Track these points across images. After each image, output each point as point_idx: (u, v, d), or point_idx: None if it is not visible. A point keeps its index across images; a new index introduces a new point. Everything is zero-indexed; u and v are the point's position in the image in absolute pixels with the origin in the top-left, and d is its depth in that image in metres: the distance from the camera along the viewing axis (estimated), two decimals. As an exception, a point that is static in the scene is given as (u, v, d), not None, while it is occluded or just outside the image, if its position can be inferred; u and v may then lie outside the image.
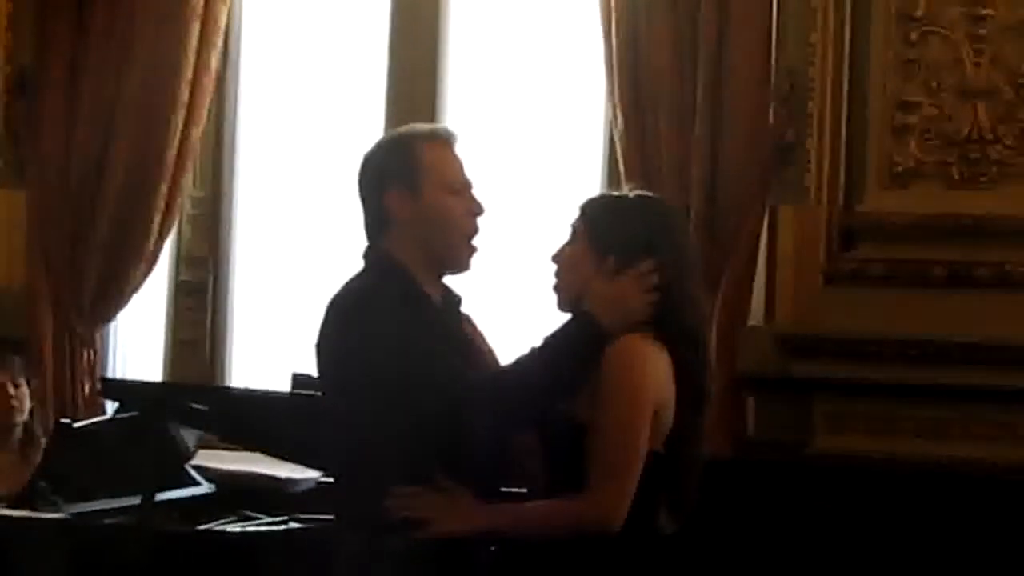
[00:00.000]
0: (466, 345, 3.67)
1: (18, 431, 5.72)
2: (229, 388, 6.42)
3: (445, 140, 3.73)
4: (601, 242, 3.53)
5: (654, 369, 3.42)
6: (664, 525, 3.49)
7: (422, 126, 3.82)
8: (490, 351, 3.75)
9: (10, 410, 5.69)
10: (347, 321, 3.54)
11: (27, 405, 5.70)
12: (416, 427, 3.38)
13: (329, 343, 3.57)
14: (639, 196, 3.68)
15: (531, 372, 3.44)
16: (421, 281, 3.63)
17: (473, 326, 3.74)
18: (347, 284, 3.64)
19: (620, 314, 3.43)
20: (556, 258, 3.62)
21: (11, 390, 5.70)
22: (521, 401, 3.44)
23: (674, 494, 3.50)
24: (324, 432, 3.66)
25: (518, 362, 3.49)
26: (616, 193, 3.77)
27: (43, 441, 5.66)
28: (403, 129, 3.82)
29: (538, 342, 3.49)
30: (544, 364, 3.44)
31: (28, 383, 5.78)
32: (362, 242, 6.36)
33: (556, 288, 3.60)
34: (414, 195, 3.64)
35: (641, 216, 3.58)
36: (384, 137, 3.87)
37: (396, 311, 3.48)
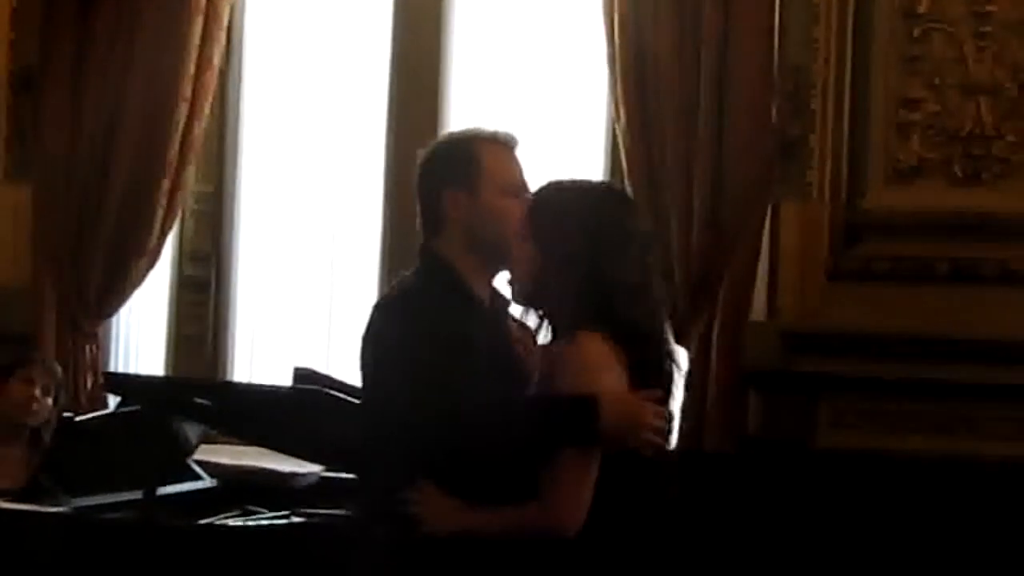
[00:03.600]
0: (506, 348, 3.63)
1: (27, 431, 5.70)
2: (231, 383, 6.41)
3: (505, 143, 3.70)
4: (531, 231, 3.50)
5: (608, 369, 3.37)
6: (637, 522, 3.45)
7: (484, 128, 3.75)
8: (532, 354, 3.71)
9: (28, 412, 5.67)
10: (391, 320, 3.54)
11: (45, 415, 5.69)
12: (421, 430, 3.39)
13: (372, 340, 3.56)
14: (572, 183, 3.60)
15: (516, 422, 3.40)
16: (471, 282, 3.62)
17: (524, 329, 3.69)
18: (399, 282, 3.64)
19: (625, 429, 3.36)
20: None
21: (38, 394, 5.68)
22: (494, 441, 3.41)
23: (643, 492, 3.45)
24: (353, 425, 3.67)
25: (516, 405, 3.46)
26: (558, 181, 3.63)
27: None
28: (465, 129, 3.79)
29: (539, 399, 3.45)
30: (528, 425, 3.38)
31: (58, 398, 5.76)
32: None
33: (508, 281, 3.59)
34: (471, 196, 3.61)
35: (560, 203, 3.51)
36: (445, 136, 3.83)
37: (440, 314, 3.46)
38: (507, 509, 3.36)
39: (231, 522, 5.06)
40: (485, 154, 3.64)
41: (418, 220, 3.71)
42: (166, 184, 6.43)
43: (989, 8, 5.55)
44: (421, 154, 3.73)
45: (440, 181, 3.64)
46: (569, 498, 3.32)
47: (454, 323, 3.46)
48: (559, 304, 3.46)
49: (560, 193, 3.54)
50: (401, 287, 3.63)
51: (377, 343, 3.53)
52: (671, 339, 3.56)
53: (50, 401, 5.72)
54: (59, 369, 5.93)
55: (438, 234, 3.66)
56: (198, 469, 5.42)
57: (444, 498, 3.39)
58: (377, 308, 3.61)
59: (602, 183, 3.63)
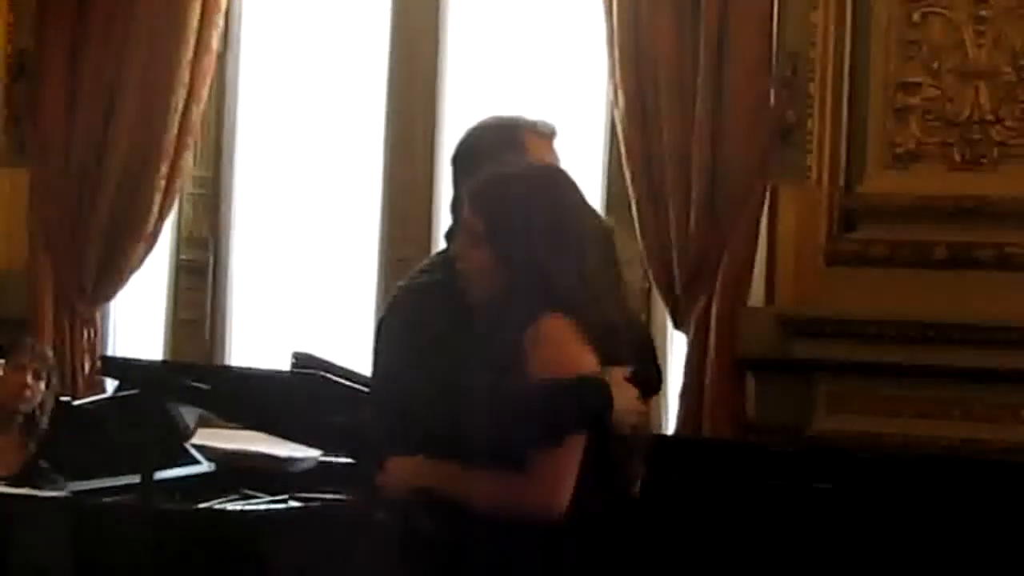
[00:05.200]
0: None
1: (20, 417, 5.70)
2: (229, 367, 6.43)
3: (546, 132, 3.66)
4: (487, 235, 3.40)
5: (581, 346, 3.31)
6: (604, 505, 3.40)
7: (526, 116, 3.69)
8: None
9: (20, 398, 5.67)
10: (396, 306, 3.53)
11: (37, 400, 5.69)
12: (425, 414, 3.37)
13: (383, 324, 3.55)
14: (501, 171, 3.46)
15: (526, 407, 3.30)
16: None
17: None
18: (419, 267, 3.60)
19: (622, 412, 3.35)
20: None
21: (29, 380, 5.68)
22: (501, 426, 3.30)
23: (617, 472, 3.41)
24: (352, 410, 3.70)
25: (523, 389, 3.35)
26: (497, 175, 3.48)
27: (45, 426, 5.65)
28: (507, 115, 3.72)
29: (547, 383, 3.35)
30: (541, 409, 3.29)
31: (49, 381, 5.76)
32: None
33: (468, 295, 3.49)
34: None
35: (488, 191, 3.42)
36: (487, 120, 3.72)
37: (445, 306, 3.42)
38: (483, 474, 3.29)
39: (229, 506, 5.06)
40: (527, 141, 3.60)
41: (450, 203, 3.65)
42: (164, 168, 6.44)
43: (987, -7, 5.57)
44: (461, 135, 3.68)
45: (478, 164, 3.54)
46: (562, 479, 3.25)
47: (459, 319, 3.40)
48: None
49: (489, 182, 3.43)
50: (413, 273, 3.59)
51: (386, 336, 3.51)
52: (636, 325, 3.55)
53: (42, 385, 5.72)
54: (50, 352, 5.92)
55: None
56: (196, 453, 5.39)
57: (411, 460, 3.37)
58: (395, 294, 3.58)
59: (542, 167, 3.52)
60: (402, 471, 3.37)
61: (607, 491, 3.35)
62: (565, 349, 3.28)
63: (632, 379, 3.37)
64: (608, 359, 3.33)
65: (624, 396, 3.34)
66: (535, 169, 3.49)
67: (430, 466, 3.34)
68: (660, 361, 5.77)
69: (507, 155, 3.52)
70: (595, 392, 3.29)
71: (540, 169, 3.50)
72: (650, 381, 3.59)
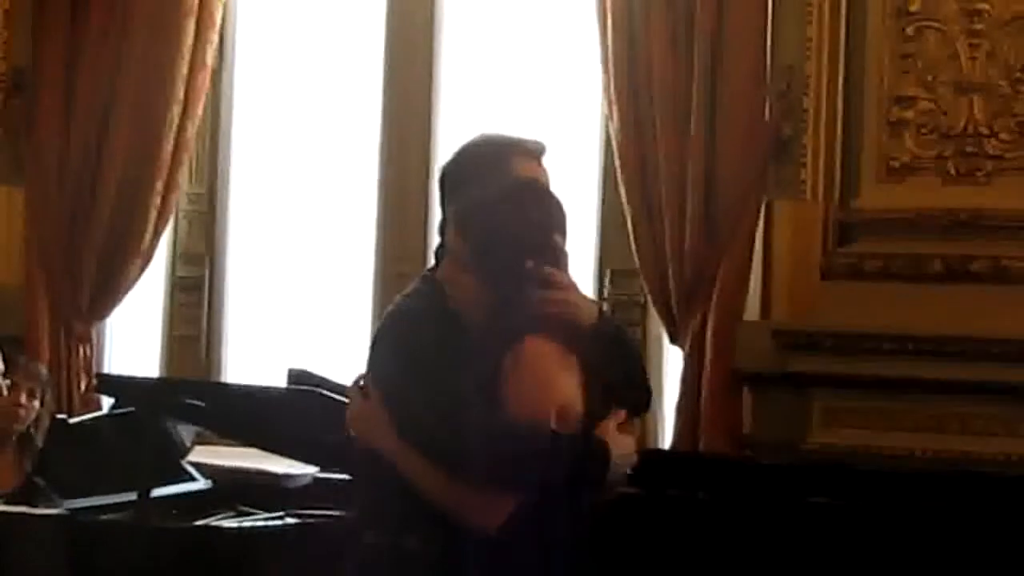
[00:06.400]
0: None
1: (15, 436, 5.69)
2: (225, 384, 6.40)
3: (534, 151, 3.60)
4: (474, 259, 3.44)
5: (562, 371, 3.33)
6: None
7: (511, 136, 3.63)
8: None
9: (15, 417, 5.65)
10: (380, 332, 3.51)
11: (32, 418, 5.67)
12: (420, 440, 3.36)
13: (371, 351, 3.53)
14: (485, 196, 3.46)
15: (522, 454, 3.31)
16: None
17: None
18: (405, 291, 3.57)
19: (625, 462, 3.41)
20: None
21: (23, 399, 5.67)
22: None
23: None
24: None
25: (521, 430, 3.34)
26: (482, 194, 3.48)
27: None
28: (494, 134, 3.67)
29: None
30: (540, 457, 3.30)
31: (44, 399, 5.75)
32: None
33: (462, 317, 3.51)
34: None
35: (473, 217, 3.43)
36: (474, 139, 3.65)
37: (430, 331, 3.41)
38: (443, 477, 3.28)
39: (225, 523, 5.07)
40: (514, 166, 3.55)
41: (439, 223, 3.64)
42: (159, 185, 6.42)
43: (981, 6, 5.56)
44: (447, 157, 3.65)
45: (465, 189, 3.53)
46: (506, 510, 3.26)
47: (435, 344, 3.40)
48: None
49: (494, 213, 3.42)
50: (398, 299, 3.57)
51: (371, 357, 3.50)
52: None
53: (37, 404, 5.70)
54: (43, 369, 5.90)
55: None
56: (192, 470, 5.40)
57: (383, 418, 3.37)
58: (383, 319, 3.56)
59: (525, 184, 3.51)
60: (370, 428, 3.38)
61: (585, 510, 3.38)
62: (543, 375, 3.28)
63: (620, 401, 3.40)
64: (593, 377, 3.34)
65: (621, 445, 3.36)
66: (518, 188, 3.48)
67: (397, 443, 3.33)
68: (655, 376, 5.86)
69: (493, 177, 3.49)
70: (587, 454, 3.30)
71: (523, 187, 3.48)
72: (638, 404, 3.60)
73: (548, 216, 3.43)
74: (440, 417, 3.28)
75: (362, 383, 3.46)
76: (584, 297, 3.54)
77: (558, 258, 3.42)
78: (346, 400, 3.54)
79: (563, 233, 3.45)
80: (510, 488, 3.25)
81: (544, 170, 3.61)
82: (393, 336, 3.45)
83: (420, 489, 3.29)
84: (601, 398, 3.38)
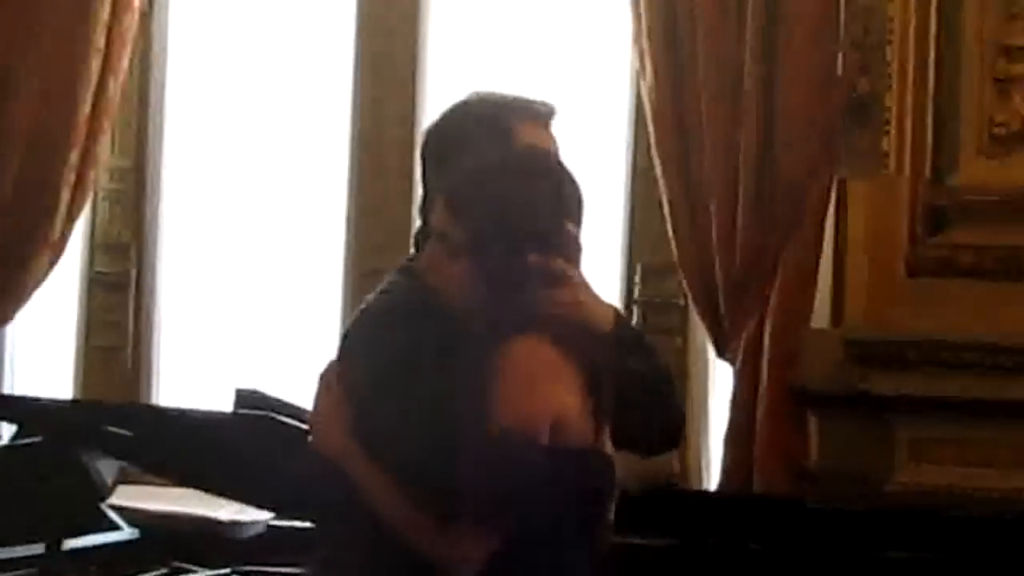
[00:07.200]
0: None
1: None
2: (156, 407, 6.39)
3: (540, 114, 3.67)
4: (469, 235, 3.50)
5: (558, 376, 3.36)
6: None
7: (513, 95, 3.70)
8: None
9: None
10: (349, 334, 3.59)
11: None
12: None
13: (341, 354, 3.62)
14: (484, 166, 3.53)
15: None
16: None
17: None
18: (380, 286, 3.65)
19: None
20: None
21: None
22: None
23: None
24: (307, 461, 3.66)
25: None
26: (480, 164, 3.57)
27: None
28: (489, 96, 3.71)
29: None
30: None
31: None
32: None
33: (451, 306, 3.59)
34: None
35: (470, 192, 3.46)
36: (464, 102, 3.71)
37: (395, 336, 3.46)
38: (411, 504, 3.34)
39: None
40: (517, 129, 3.60)
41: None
42: (74, 157, 6.36)
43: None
44: (434, 118, 3.70)
45: (451, 159, 3.58)
46: (485, 537, 3.29)
47: (416, 340, 3.46)
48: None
49: (495, 184, 3.46)
50: (373, 296, 3.65)
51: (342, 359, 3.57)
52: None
53: None
54: None
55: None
56: (114, 516, 5.38)
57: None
58: (357, 314, 3.64)
59: (529, 153, 3.59)
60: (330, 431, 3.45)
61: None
62: (536, 383, 3.31)
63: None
64: (604, 393, 3.37)
65: None
66: (521, 160, 3.52)
67: (359, 457, 3.41)
68: (698, 397, 5.90)
69: (490, 146, 3.53)
70: (589, 477, 3.36)
71: (527, 160, 3.53)
72: (666, 432, 3.71)
73: (557, 197, 3.45)
74: (414, 434, 3.32)
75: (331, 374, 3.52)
76: (597, 298, 3.56)
77: (568, 249, 3.45)
78: (306, 427, 3.57)
79: (576, 218, 3.47)
80: (494, 518, 3.27)
81: (554, 138, 3.68)
82: (363, 340, 3.51)
83: (386, 517, 3.34)
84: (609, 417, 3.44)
